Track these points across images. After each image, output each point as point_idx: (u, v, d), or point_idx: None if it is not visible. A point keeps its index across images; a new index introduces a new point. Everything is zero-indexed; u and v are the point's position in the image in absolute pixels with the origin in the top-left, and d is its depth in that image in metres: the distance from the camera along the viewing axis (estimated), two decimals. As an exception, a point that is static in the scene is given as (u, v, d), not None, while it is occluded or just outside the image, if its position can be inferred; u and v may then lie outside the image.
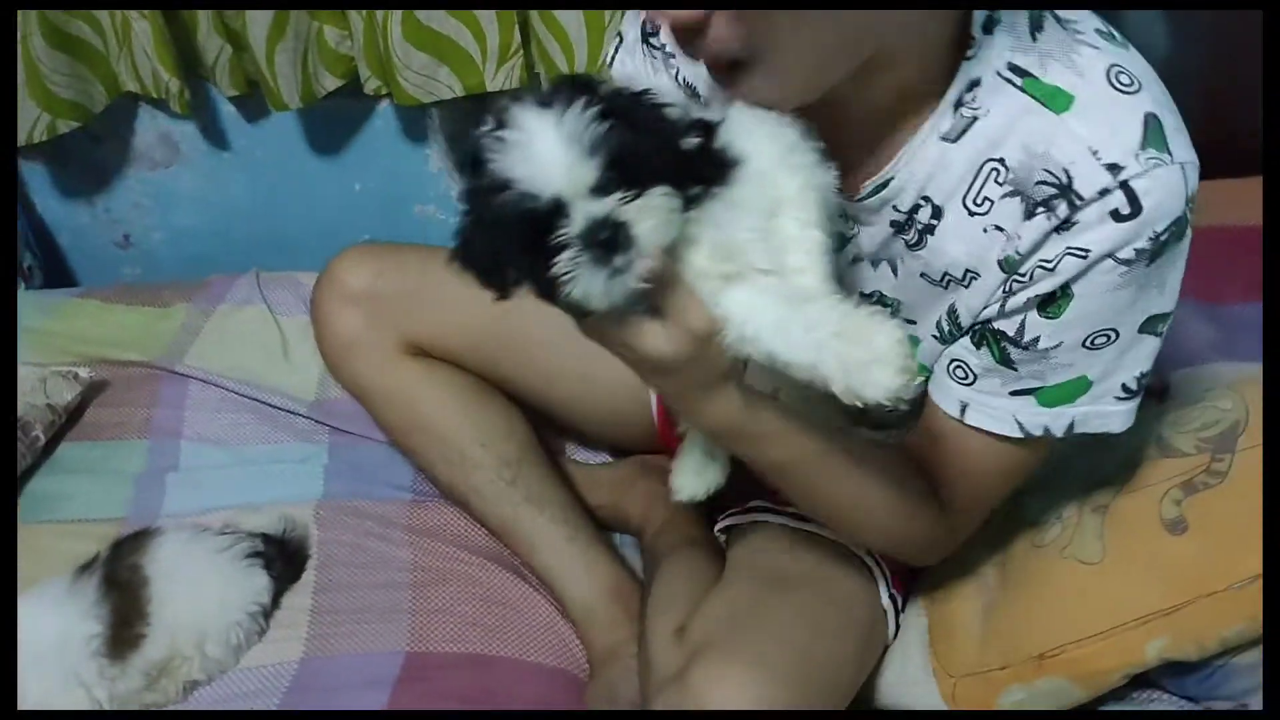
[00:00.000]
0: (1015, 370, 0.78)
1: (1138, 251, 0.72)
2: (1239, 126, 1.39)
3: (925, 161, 0.76)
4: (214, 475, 1.24)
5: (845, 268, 0.84)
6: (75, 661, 0.96)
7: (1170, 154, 0.71)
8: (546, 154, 0.62)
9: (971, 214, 0.76)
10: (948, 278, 0.79)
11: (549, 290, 0.65)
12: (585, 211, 0.63)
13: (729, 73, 0.69)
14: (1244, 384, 0.98)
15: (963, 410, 0.81)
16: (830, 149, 0.74)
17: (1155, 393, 1.19)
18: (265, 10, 1.45)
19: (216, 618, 1.04)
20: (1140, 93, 0.72)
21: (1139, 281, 0.74)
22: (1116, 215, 0.71)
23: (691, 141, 0.67)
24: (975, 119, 0.74)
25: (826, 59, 0.69)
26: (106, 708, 0.98)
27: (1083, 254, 0.72)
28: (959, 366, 0.81)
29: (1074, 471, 0.98)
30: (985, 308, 0.78)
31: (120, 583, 1.01)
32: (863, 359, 0.62)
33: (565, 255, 0.63)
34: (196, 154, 1.73)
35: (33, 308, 1.43)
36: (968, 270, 0.78)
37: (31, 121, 1.52)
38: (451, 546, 1.18)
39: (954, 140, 0.75)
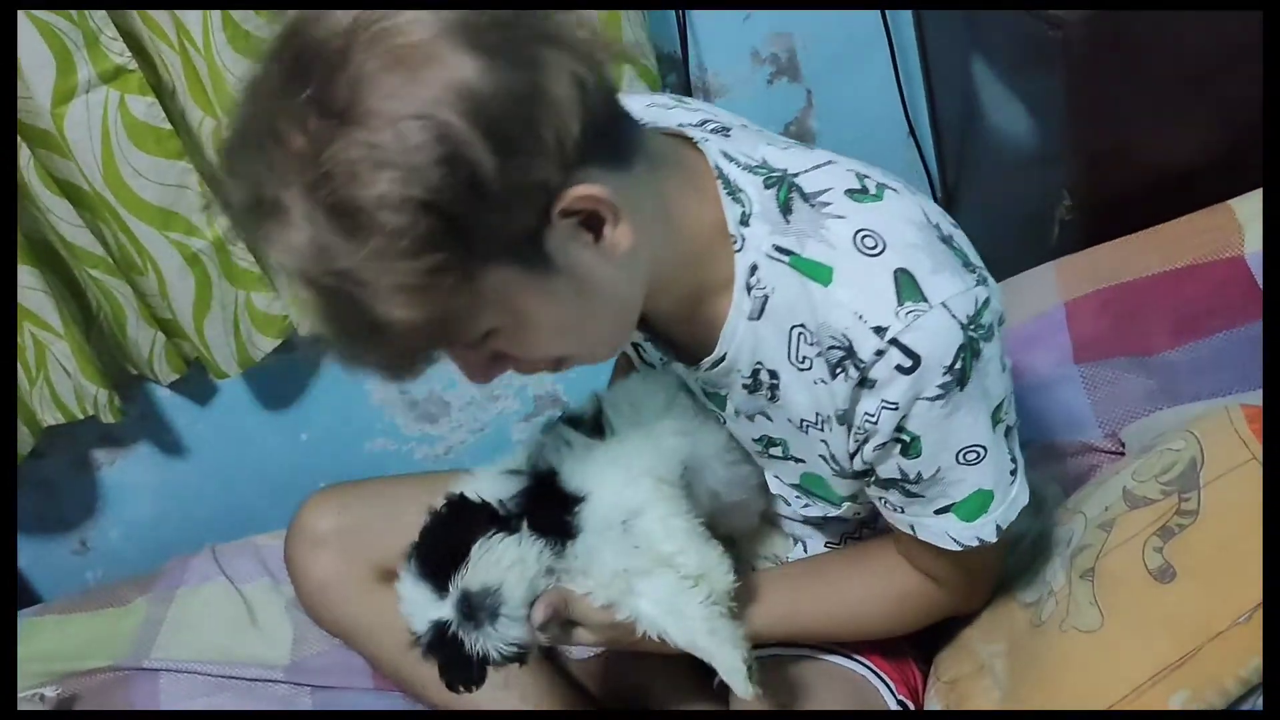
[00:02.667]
0: (924, 497, 0.85)
1: (942, 386, 0.78)
2: (1122, 188, 1.46)
3: (743, 339, 0.84)
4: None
5: (734, 420, 0.93)
6: None
7: (927, 300, 0.77)
8: (409, 605, 0.86)
9: (800, 370, 0.83)
10: (805, 423, 0.86)
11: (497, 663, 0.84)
12: (448, 613, 0.83)
13: (559, 366, 0.81)
14: (1191, 422, 0.99)
15: (913, 529, 0.87)
16: (664, 340, 0.90)
17: (1112, 451, 1.20)
18: (186, 288, 1.49)
19: None
20: (885, 252, 0.78)
21: (965, 403, 0.79)
22: (901, 369, 0.77)
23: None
24: (767, 296, 0.82)
25: (610, 330, 0.81)
26: None
27: (893, 406, 0.78)
28: (886, 503, 0.88)
29: (1052, 544, 0.97)
30: (853, 454, 0.84)
31: None
32: (723, 668, 0.85)
33: (470, 642, 0.82)
34: (140, 445, 1.73)
35: (-10, 637, 1.39)
36: (817, 414, 0.84)
37: (-41, 474, 1.53)
38: (455, 783, 1.12)
39: (758, 318, 0.83)
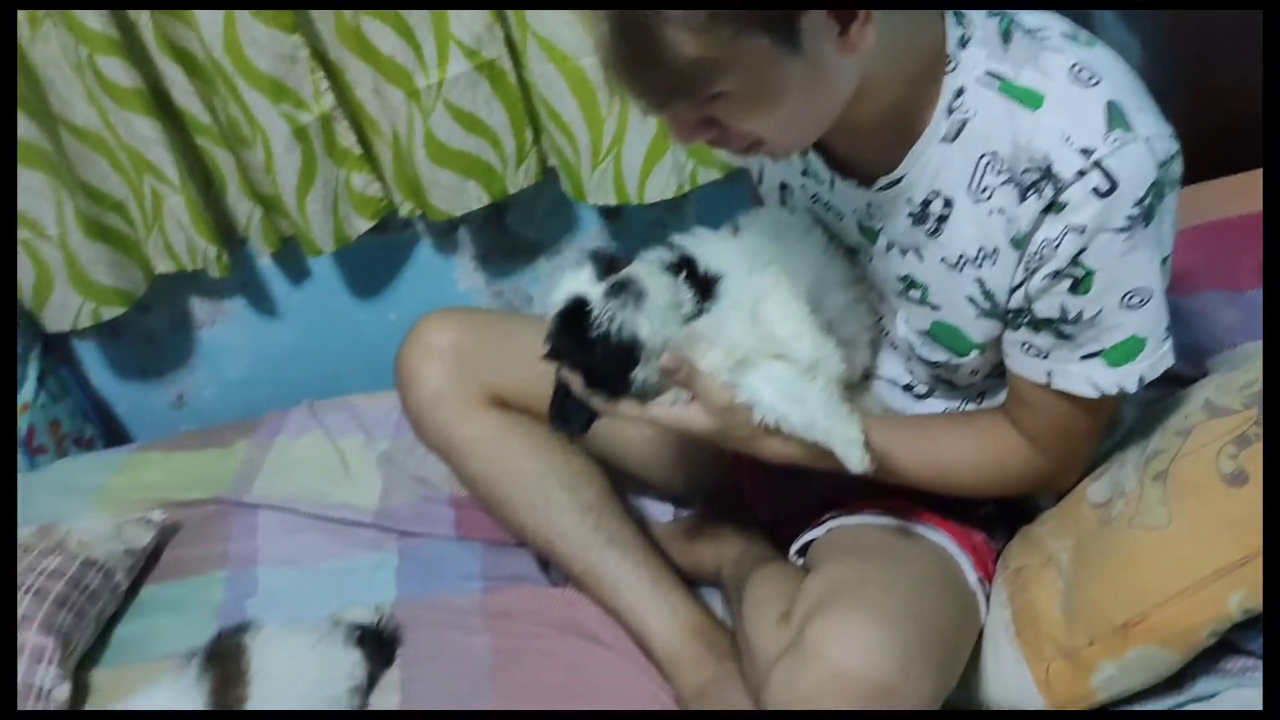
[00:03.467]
0: (1074, 340, 0.88)
1: (1130, 219, 0.81)
2: (1224, 126, 1.45)
3: (930, 161, 0.88)
4: (293, 595, 1.27)
5: (882, 256, 0.97)
6: None
7: (1134, 131, 0.80)
8: (565, 281, 0.91)
9: (977, 201, 0.87)
10: (963, 259, 0.90)
11: (607, 373, 0.89)
12: (601, 288, 0.88)
13: (752, 149, 0.86)
14: (1280, 346, 1.01)
15: (1049, 377, 0.90)
16: (846, 153, 0.94)
17: (1193, 378, 1.21)
18: (292, 161, 1.54)
19: (315, 695, 1.07)
20: (1100, 84, 0.82)
21: (1144, 243, 0.83)
22: (1098, 192, 0.80)
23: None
24: (966, 121, 0.86)
25: (813, 123, 0.85)
26: None
27: (1080, 229, 0.82)
28: (1029, 347, 0.91)
29: (1129, 450, 1.00)
30: (1015, 288, 0.88)
31: (221, 655, 1.09)
32: (840, 441, 0.88)
33: (601, 312, 0.87)
34: (239, 308, 1.82)
35: (99, 467, 1.51)
36: (981, 249, 0.88)
37: (75, 309, 1.62)
38: (527, 624, 1.20)
39: (951, 140, 0.87)
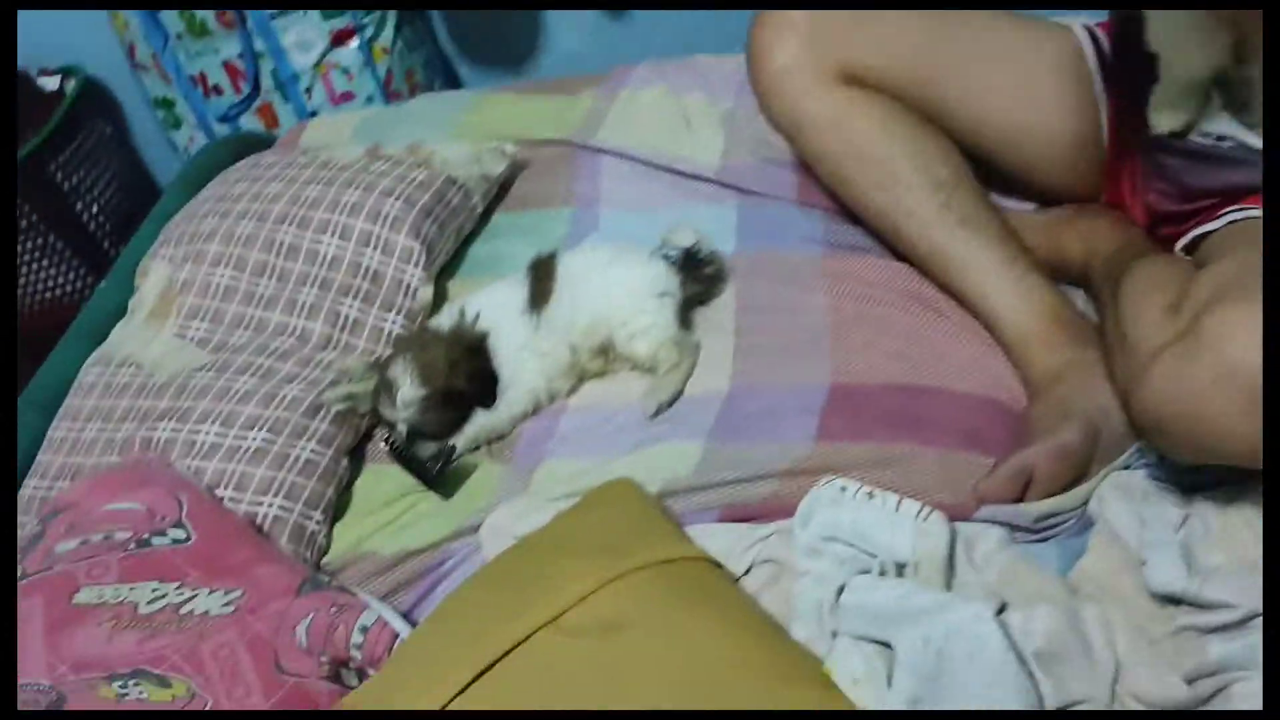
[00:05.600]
0: None
1: None
2: None
3: None
4: (632, 236, 1.28)
5: None
6: (518, 332, 1.15)
7: None
8: None
9: None
10: None
11: None
12: None
13: None
14: None
15: None
16: None
17: None
18: None
19: (624, 298, 1.15)
20: None
21: None
22: None
23: None
24: None
25: None
26: (541, 376, 1.16)
27: None
28: None
29: None
30: None
31: (541, 262, 1.21)
32: None
33: None
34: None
35: (457, 104, 1.58)
36: None
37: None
38: (867, 289, 1.16)
39: None
